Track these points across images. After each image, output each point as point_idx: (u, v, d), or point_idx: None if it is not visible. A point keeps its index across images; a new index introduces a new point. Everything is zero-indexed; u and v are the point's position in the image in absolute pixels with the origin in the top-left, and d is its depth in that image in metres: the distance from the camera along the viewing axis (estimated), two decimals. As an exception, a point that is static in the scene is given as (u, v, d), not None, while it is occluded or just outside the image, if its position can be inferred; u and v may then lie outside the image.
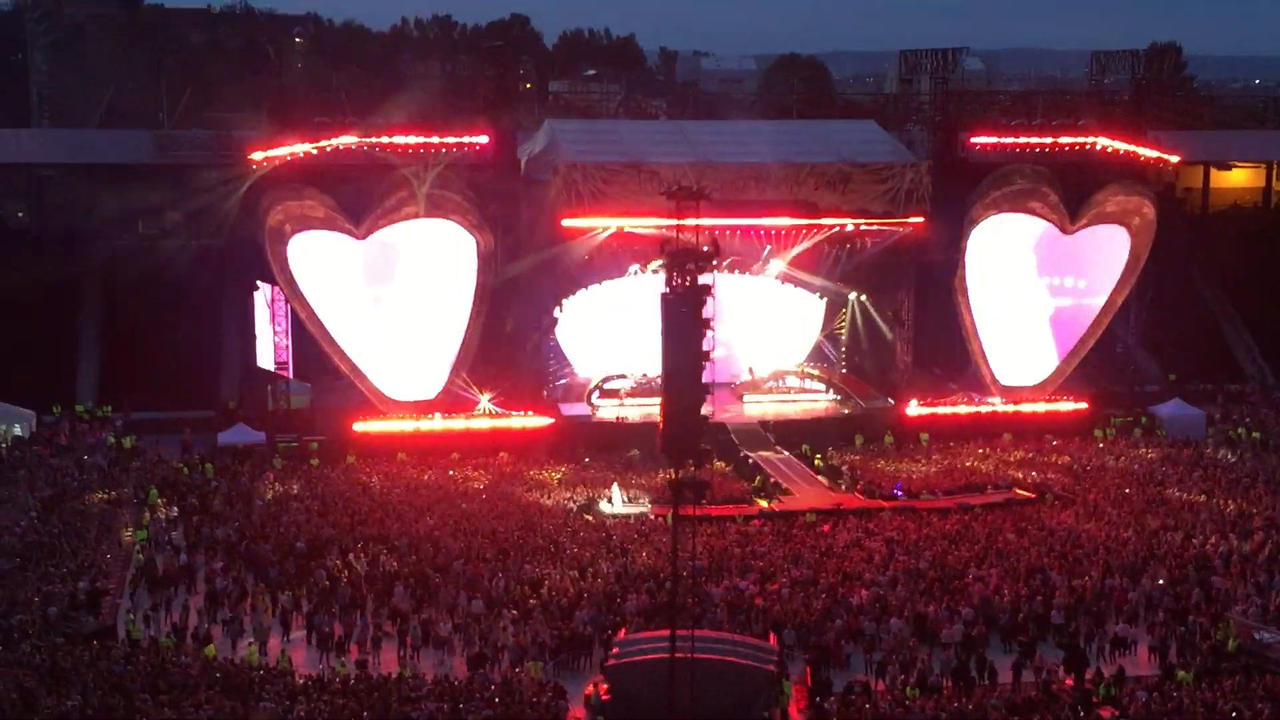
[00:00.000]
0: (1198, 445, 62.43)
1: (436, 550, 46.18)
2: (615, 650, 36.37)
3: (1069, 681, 36.74)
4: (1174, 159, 69.03)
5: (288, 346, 63.02)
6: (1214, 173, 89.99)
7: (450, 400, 62.84)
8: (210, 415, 64.89)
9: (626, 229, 62.55)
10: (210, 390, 68.09)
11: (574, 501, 53.45)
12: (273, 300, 62.66)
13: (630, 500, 53.80)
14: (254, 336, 64.38)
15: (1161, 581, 43.37)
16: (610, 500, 53.65)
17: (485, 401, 62.48)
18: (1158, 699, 34.41)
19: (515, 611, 40.99)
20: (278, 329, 62.82)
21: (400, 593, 42.67)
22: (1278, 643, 38.41)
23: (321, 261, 62.19)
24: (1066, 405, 66.45)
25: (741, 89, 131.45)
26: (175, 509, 51.83)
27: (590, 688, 36.16)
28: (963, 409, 65.83)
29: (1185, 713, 33.36)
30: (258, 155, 60.91)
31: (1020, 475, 57.35)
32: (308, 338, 62.34)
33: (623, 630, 38.85)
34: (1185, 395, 69.04)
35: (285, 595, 42.89)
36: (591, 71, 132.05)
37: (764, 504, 53.65)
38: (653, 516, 51.18)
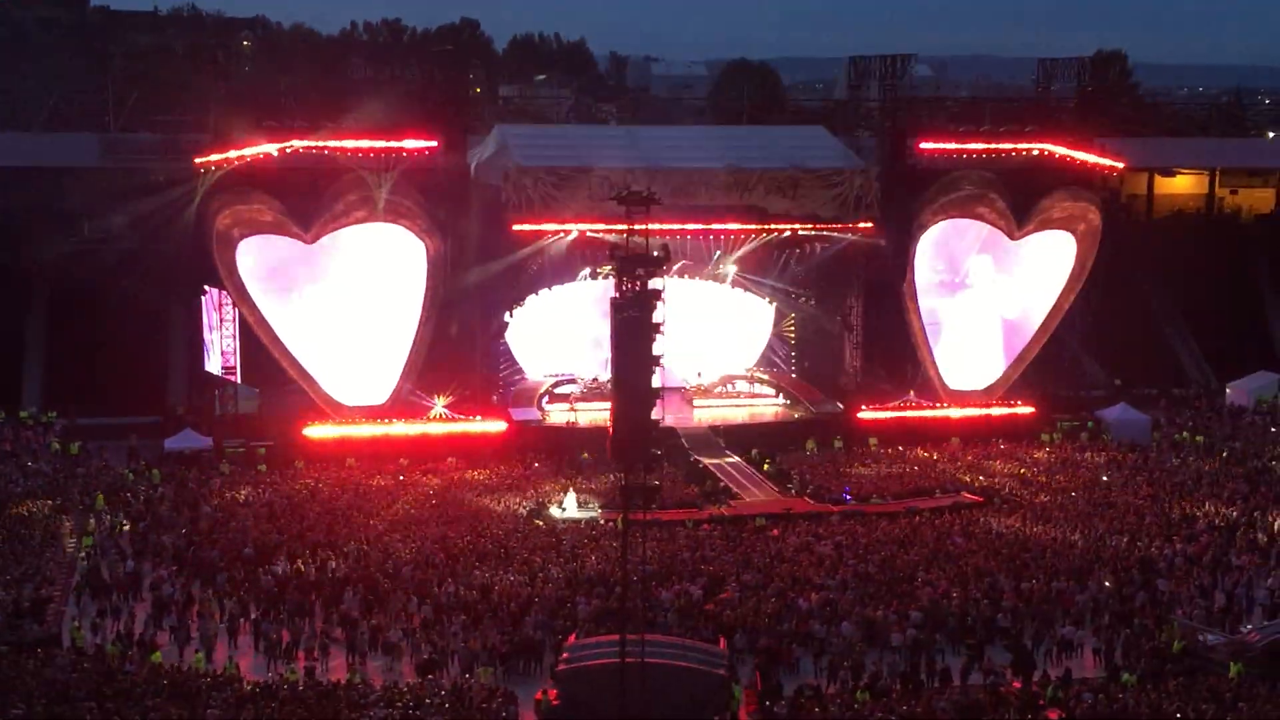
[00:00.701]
0: (1143, 449, 63.01)
1: (386, 556, 46.01)
2: (565, 655, 36.34)
3: (1016, 684, 36.98)
4: (1119, 165, 69.60)
5: (235, 351, 62.64)
6: (1158, 179, 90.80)
7: (400, 405, 62.61)
8: (157, 421, 64.38)
9: (580, 233, 62.49)
10: (157, 396, 67.51)
11: (524, 506, 53.34)
12: (220, 305, 62.29)
13: (583, 505, 53.77)
14: (201, 341, 63.98)
15: (1108, 584, 43.76)
16: (563, 505, 53.59)
17: (440, 406, 62.27)
18: (1103, 700, 34.71)
19: (465, 617, 40.87)
20: (225, 334, 62.43)
21: (349, 598, 42.48)
22: (1221, 644, 38.81)
23: (269, 266, 61.84)
24: (1014, 409, 66.91)
25: (691, 94, 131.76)
26: (121, 515, 51.34)
27: (540, 693, 36.12)
28: (911, 413, 66.18)
29: (1130, 714, 33.68)
30: (204, 159, 60.38)
31: (968, 479, 57.73)
32: (256, 342, 61.92)
33: (573, 635, 38.82)
34: (1131, 399, 69.64)
35: (232, 601, 42.63)
36: (541, 76, 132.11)
37: (714, 509, 53.70)
38: (603, 521, 51.19)
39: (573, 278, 68.31)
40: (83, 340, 68.06)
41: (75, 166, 75.91)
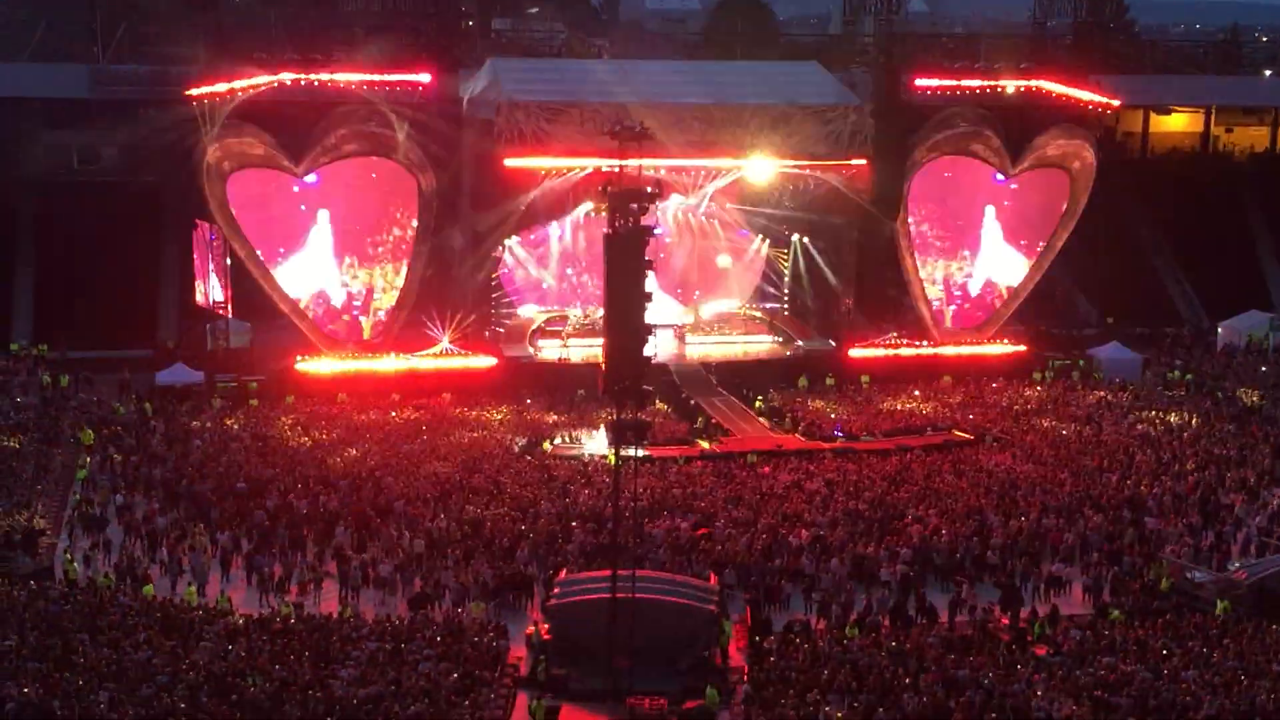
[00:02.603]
0: (1134, 387, 63.12)
1: (378, 491, 46.09)
2: (557, 590, 36.54)
3: (1004, 620, 37.22)
4: (1114, 103, 69.25)
5: (227, 285, 62.43)
6: (1153, 117, 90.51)
7: (390, 340, 62.57)
8: (149, 355, 64.33)
9: (594, 169, 61.93)
10: (148, 330, 67.53)
11: (516, 442, 53.33)
12: (211, 239, 62.01)
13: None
14: (192, 276, 63.73)
15: (1095, 523, 43.95)
16: (588, 439, 53.13)
17: (446, 341, 62.04)
18: (1091, 637, 34.97)
19: (457, 551, 41.00)
20: (216, 268, 62.19)
21: (341, 533, 42.60)
22: (1209, 582, 39.05)
23: (261, 200, 61.57)
24: (1005, 348, 66.94)
25: (685, 29, 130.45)
26: (113, 449, 51.35)
27: (532, 627, 36.32)
28: (904, 351, 66.15)
29: (1118, 650, 33.92)
30: (195, 91, 59.88)
31: (959, 417, 57.80)
32: (247, 277, 61.74)
33: (564, 570, 38.98)
34: (1122, 338, 69.70)
35: (225, 535, 42.73)
36: (534, 9, 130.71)
37: (705, 445, 53.77)
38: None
39: (564, 213, 67.90)
40: (73, 273, 67.88)
41: (64, 98, 75.37)
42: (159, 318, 68.96)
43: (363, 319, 63.57)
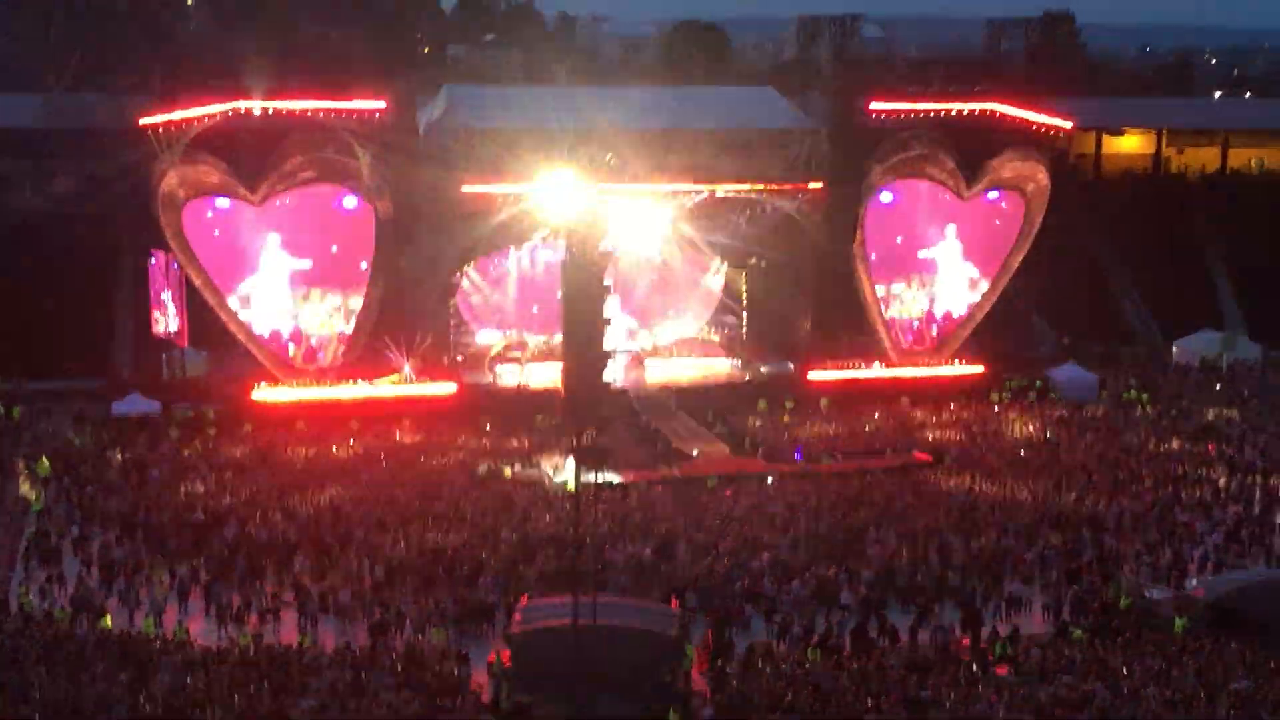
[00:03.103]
0: (1091, 407, 63.50)
1: (337, 519, 45.86)
2: (518, 616, 36.38)
3: (965, 641, 37.33)
4: (1067, 125, 69.82)
5: (183, 314, 62.05)
6: (1106, 139, 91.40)
7: (348, 368, 62.33)
8: (104, 385, 63.81)
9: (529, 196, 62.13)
10: (104, 359, 67.00)
11: (477, 468, 53.16)
12: (167, 267, 61.66)
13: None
14: (148, 305, 63.34)
15: (1055, 542, 44.16)
16: (556, 471, 53.04)
17: (407, 368, 61.86)
18: (1051, 656, 35.11)
19: (417, 579, 40.79)
20: (172, 296, 61.83)
21: (300, 561, 42.34)
22: (1167, 600, 39.27)
23: (216, 228, 61.32)
24: (963, 369, 67.28)
25: (641, 55, 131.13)
26: (68, 480, 50.89)
27: (493, 654, 36.14)
28: (862, 373, 66.37)
29: (1078, 669, 34.04)
30: (150, 120, 59.56)
31: (918, 438, 58.00)
32: (203, 305, 61.40)
33: (525, 596, 38.84)
34: (1079, 358, 70.15)
35: (182, 566, 42.40)
36: (490, 36, 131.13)
37: (666, 469, 53.76)
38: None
39: (523, 239, 67.80)
40: (28, 304, 67.33)
41: (17, 128, 74.91)
42: (114, 347, 68.42)
43: (319, 347, 63.24)
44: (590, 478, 35.68)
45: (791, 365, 67.87)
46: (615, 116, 64.56)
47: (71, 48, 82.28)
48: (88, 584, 41.34)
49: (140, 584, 41.13)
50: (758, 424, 60.36)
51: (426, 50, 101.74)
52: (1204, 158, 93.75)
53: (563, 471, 52.15)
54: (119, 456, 54.15)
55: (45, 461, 52.20)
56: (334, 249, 63.16)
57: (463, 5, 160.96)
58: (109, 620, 38.22)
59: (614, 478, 50.93)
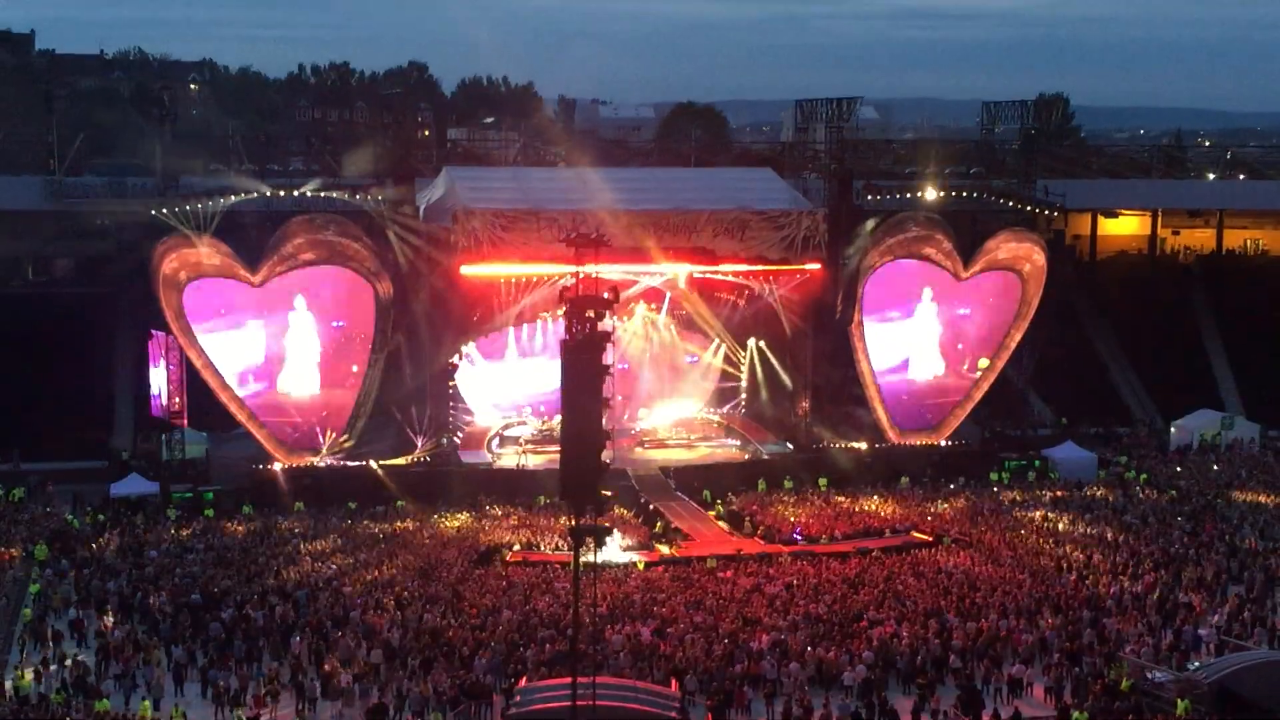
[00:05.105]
0: (1089, 487, 63.45)
1: (335, 600, 45.67)
2: (516, 699, 36.17)
3: (967, 724, 37.09)
4: (1062, 206, 70.36)
5: (182, 395, 62.08)
6: (1101, 220, 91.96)
7: (349, 447, 62.41)
8: (103, 466, 63.78)
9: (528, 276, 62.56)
10: (103, 440, 66.99)
11: (476, 549, 52.97)
12: (167, 348, 61.77)
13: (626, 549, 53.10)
14: (148, 385, 63.42)
15: (1053, 621, 43.97)
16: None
17: (374, 464, 61.89)
18: (1054, 739, 34.87)
19: (416, 661, 40.59)
20: (172, 378, 61.89)
21: (297, 644, 42.13)
22: (1169, 682, 39.06)
23: (217, 309, 61.60)
24: (961, 449, 67.28)
25: (639, 137, 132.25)
26: (66, 562, 50.74)
27: (492, 737, 35.93)
28: (861, 454, 66.37)
29: (1081, 752, 33.81)
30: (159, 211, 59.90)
31: (917, 519, 57.89)
32: (203, 386, 61.49)
33: (524, 679, 38.64)
34: (1076, 438, 70.19)
35: (179, 649, 42.17)
36: (490, 119, 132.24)
37: (665, 550, 53.64)
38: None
39: (523, 320, 68.07)
40: (28, 385, 67.42)
41: (19, 210, 75.40)
42: (114, 428, 68.46)
43: (319, 427, 63.25)
44: (590, 557, 35.62)
45: (790, 445, 67.87)
46: (614, 198, 65.08)
47: (74, 131, 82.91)
48: (84, 666, 41.09)
49: (137, 666, 40.91)
50: (756, 504, 60.21)
51: (426, 133, 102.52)
52: (1199, 238, 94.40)
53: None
54: (117, 538, 54.00)
55: (43, 545, 52.04)
56: (333, 329, 63.38)
57: (463, 88, 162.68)
58: (106, 703, 37.95)
59: (614, 558, 50.84)
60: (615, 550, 52.41)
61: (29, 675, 40.11)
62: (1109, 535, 54.59)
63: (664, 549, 53.70)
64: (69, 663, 41.27)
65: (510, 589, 47.27)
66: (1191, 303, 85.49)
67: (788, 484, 63.60)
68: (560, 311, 36.73)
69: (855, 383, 67.94)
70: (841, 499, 61.25)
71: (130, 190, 66.34)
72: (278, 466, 61.02)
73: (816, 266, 66.09)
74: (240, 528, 56.03)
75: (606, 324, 34.08)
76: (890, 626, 43.19)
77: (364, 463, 61.84)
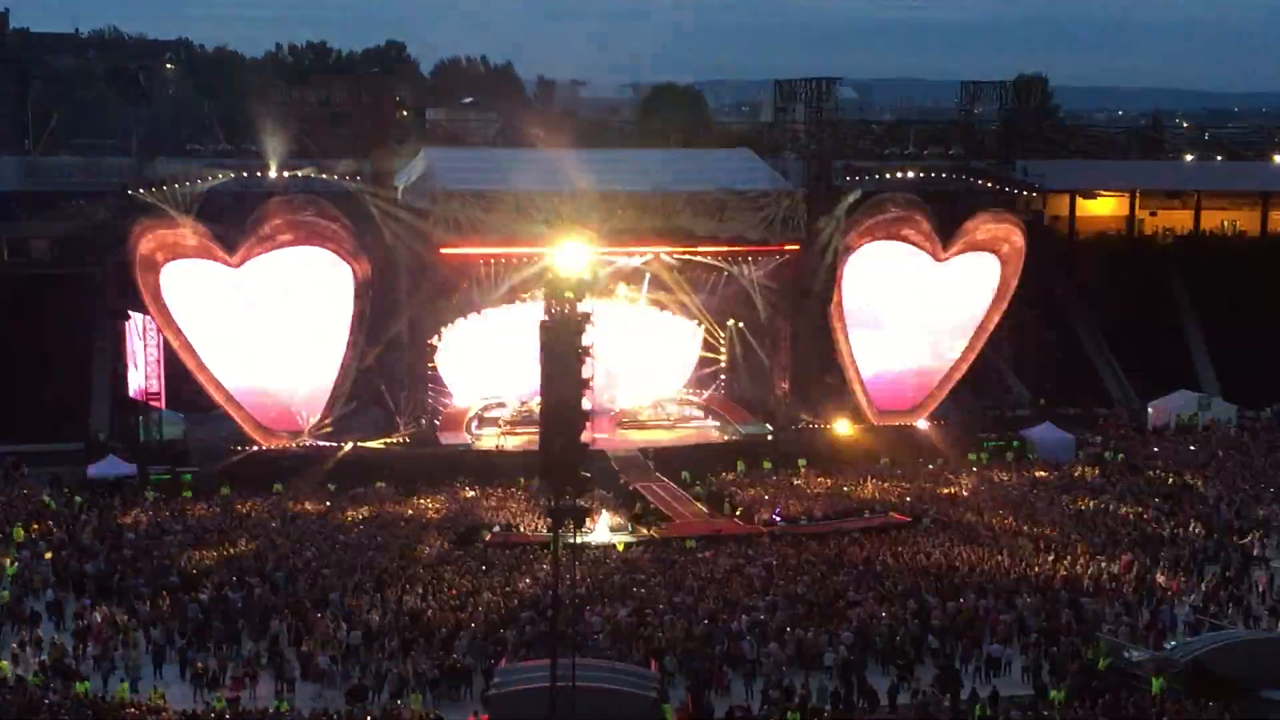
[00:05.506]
0: (1067, 468, 63.65)
1: (314, 582, 45.58)
2: (496, 680, 36.20)
3: (945, 702, 37.19)
4: (1040, 187, 70.49)
5: (160, 377, 61.87)
6: (1080, 201, 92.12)
7: (328, 429, 62.28)
8: (80, 447, 63.50)
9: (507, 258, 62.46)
10: (80, 422, 66.71)
11: (454, 531, 52.90)
12: (144, 330, 61.54)
13: (614, 529, 53.14)
14: (126, 367, 63.16)
15: (1029, 600, 44.13)
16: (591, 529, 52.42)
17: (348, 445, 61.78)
18: (1031, 717, 35.00)
19: (395, 642, 40.55)
20: (150, 358, 61.67)
21: (277, 625, 42.05)
22: (1146, 661, 39.26)
23: (195, 290, 61.33)
24: (940, 429, 67.40)
25: (619, 117, 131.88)
26: (43, 544, 50.53)
27: (471, 718, 35.92)
28: (839, 434, 66.46)
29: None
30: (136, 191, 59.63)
31: (896, 499, 57.97)
32: (181, 368, 61.28)
33: (504, 659, 38.66)
34: (1054, 418, 70.36)
35: (158, 630, 42.07)
36: (469, 99, 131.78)
37: (645, 531, 53.65)
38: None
39: (502, 301, 67.95)
40: (4, 367, 67.10)
41: (-7, 190, 75.05)
42: (91, 410, 68.18)
43: (297, 409, 63.08)
44: (570, 538, 35.62)
45: (769, 426, 67.95)
46: (593, 179, 64.96)
47: (49, 110, 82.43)
48: (62, 648, 40.95)
49: (115, 648, 40.79)
50: (735, 485, 60.24)
51: (405, 113, 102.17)
52: (1177, 219, 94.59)
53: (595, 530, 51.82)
54: (94, 520, 53.79)
55: (19, 527, 51.82)
56: (312, 311, 63.06)
57: (442, 68, 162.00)
58: (84, 685, 37.83)
59: (594, 538, 50.80)
60: (604, 531, 52.46)
61: (6, 658, 40.01)
62: (1085, 515, 54.71)
63: (644, 530, 53.71)
64: (46, 645, 41.19)
65: (489, 571, 47.25)
66: (1169, 284, 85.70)
67: (767, 465, 63.67)
68: (540, 293, 36.68)
69: (834, 363, 68.01)
70: (821, 479, 61.31)
71: (106, 170, 65.91)
72: (257, 450, 60.84)
73: (796, 247, 66.07)
74: (218, 509, 55.77)
75: (586, 305, 33.98)
76: (869, 607, 43.29)
77: (342, 444, 61.69)
